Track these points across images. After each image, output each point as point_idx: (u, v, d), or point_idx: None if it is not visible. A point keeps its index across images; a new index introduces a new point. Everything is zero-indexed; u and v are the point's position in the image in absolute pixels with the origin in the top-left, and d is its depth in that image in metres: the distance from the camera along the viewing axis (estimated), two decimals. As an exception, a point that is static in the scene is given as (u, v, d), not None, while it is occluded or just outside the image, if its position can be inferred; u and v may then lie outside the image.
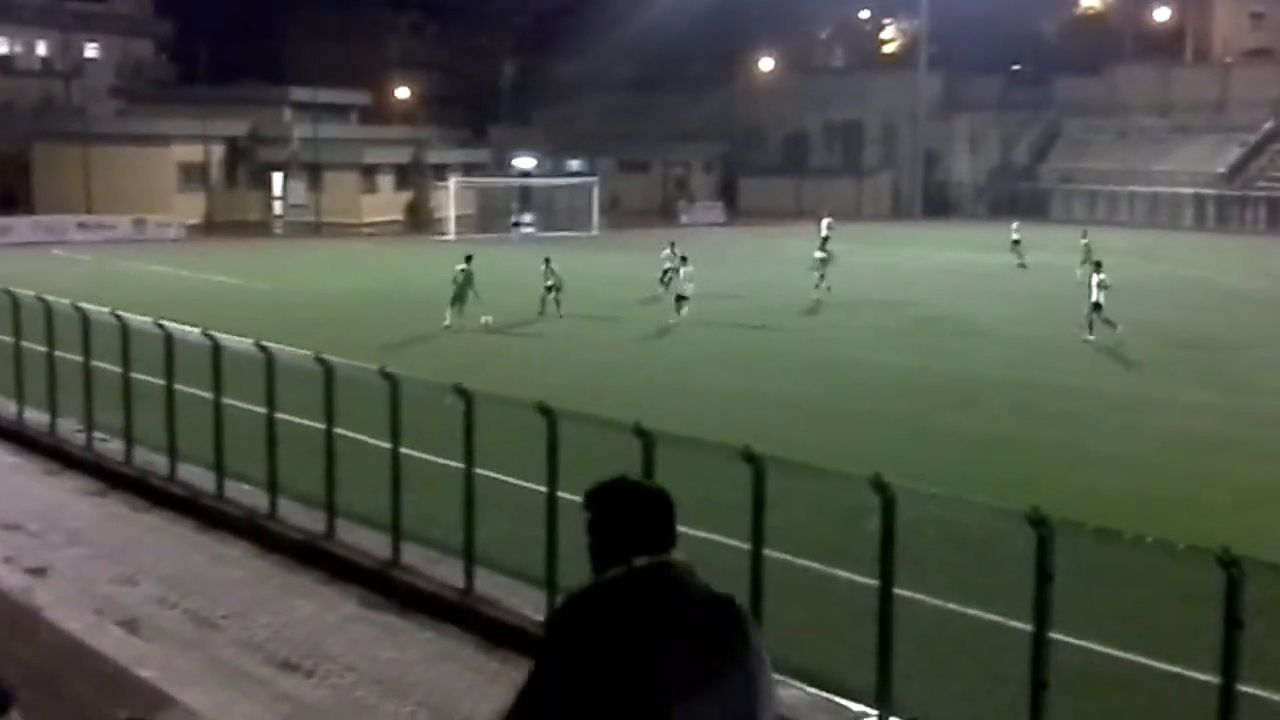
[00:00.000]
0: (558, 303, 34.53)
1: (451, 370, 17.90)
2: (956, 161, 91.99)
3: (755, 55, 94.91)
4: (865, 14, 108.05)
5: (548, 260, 35.32)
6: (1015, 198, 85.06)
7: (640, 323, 33.83)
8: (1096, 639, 10.65)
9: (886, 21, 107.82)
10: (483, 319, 31.94)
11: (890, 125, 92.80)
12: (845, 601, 11.46)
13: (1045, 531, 8.57)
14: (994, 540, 10.99)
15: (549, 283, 34.87)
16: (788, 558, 11.60)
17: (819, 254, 39.65)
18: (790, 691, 10.18)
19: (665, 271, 37.86)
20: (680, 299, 33.59)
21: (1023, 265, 48.19)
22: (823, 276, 38.49)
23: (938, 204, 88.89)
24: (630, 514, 4.37)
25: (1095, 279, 31.02)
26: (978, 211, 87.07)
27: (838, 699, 10.08)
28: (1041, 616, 8.70)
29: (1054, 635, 8.88)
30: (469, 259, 33.05)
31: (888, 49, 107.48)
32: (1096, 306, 30.45)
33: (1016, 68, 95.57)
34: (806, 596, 11.89)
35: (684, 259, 35.88)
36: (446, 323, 31.91)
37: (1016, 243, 49.96)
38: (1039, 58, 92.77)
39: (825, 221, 51.20)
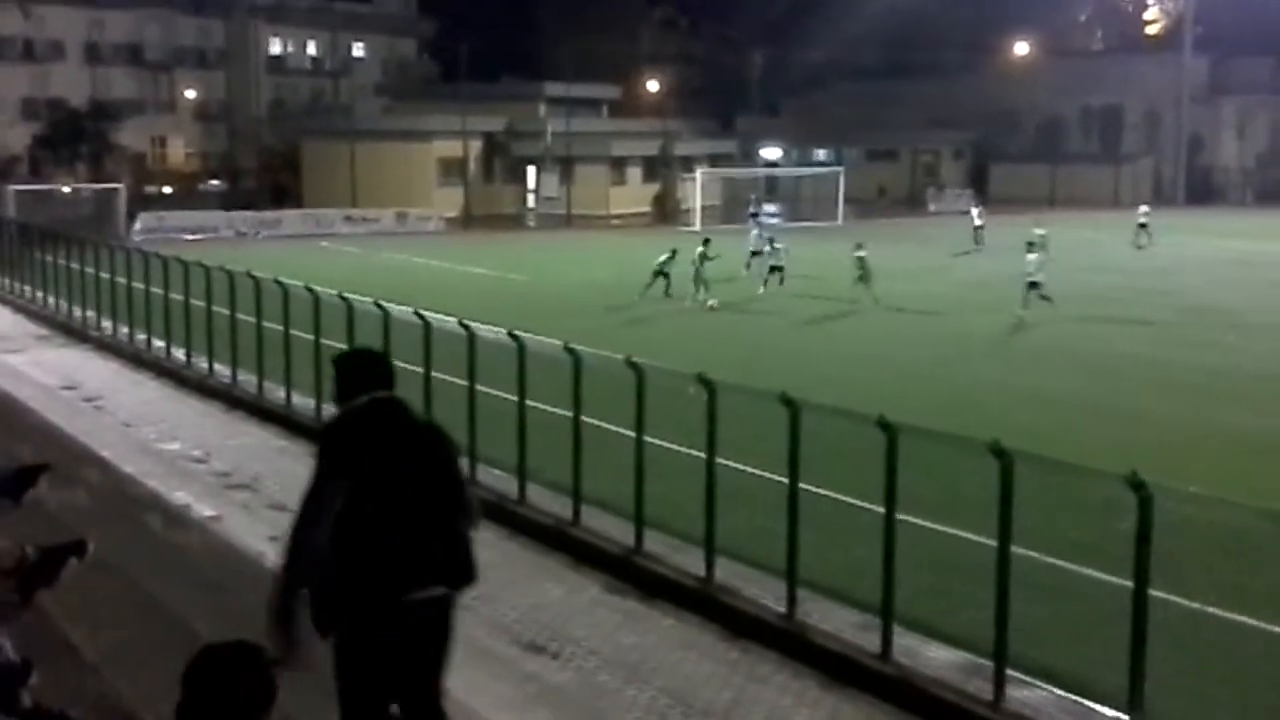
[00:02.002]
0: (781, 281, 35.29)
1: (694, 359, 18.03)
2: (1223, 147, 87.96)
3: (1009, 39, 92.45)
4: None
5: (772, 240, 36.52)
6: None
7: (890, 313, 33.43)
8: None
9: (1149, 2, 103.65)
10: (709, 302, 33.43)
11: (1152, 110, 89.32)
12: (1098, 602, 11.13)
13: (1312, 535, 8.15)
14: (1263, 544, 10.50)
15: (774, 263, 35.74)
16: (1036, 555, 11.33)
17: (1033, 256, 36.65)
18: (1037, 693, 9.96)
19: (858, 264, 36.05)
20: (1033, 286, 32.02)
21: None
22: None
23: (1202, 191, 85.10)
24: (367, 366, 7.05)
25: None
26: (1245, 199, 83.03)
27: (1086, 702, 9.79)
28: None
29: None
30: (707, 242, 34.79)
31: (1150, 30, 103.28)
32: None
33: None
34: (1054, 596, 11.59)
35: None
36: (708, 302, 33.57)
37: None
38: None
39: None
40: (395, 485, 6.68)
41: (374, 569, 6.62)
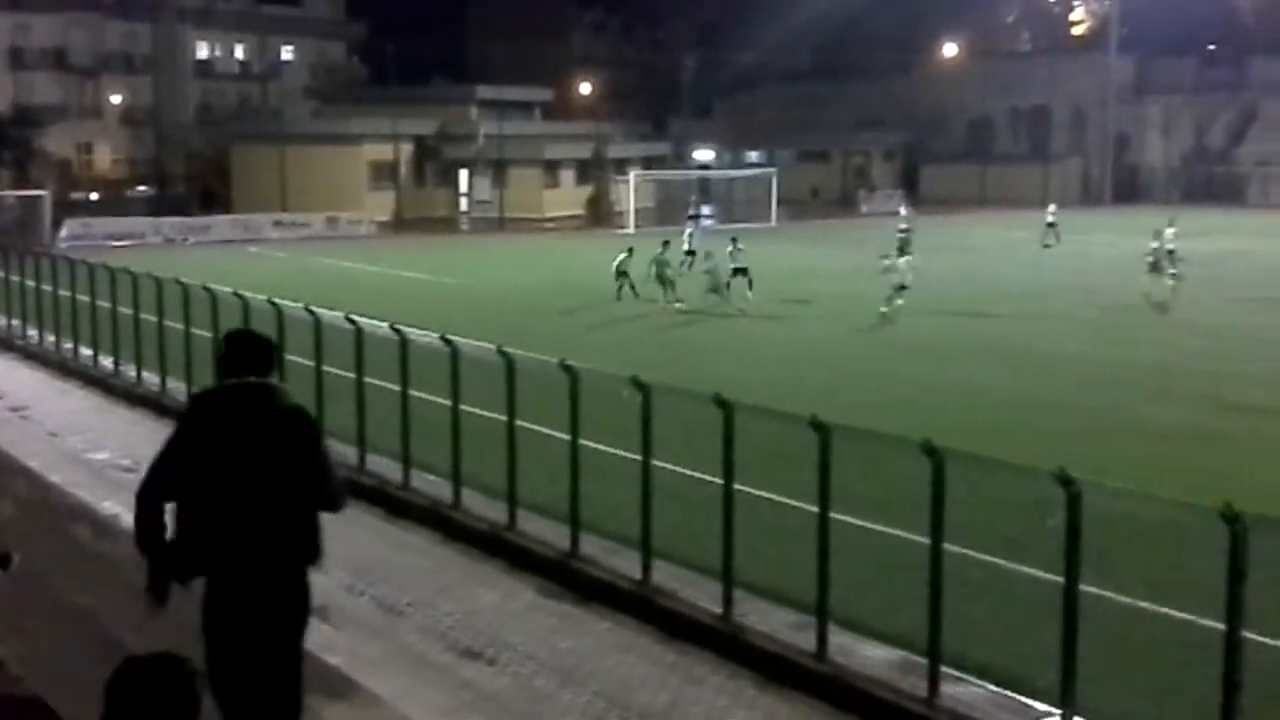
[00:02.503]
0: (749, 285, 34.58)
1: (634, 362, 18.03)
2: (1148, 146, 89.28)
3: (938, 41, 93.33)
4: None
5: (734, 240, 36.22)
6: (1210, 182, 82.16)
7: (824, 314, 33.61)
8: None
9: (1076, 3, 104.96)
10: (676, 304, 33.46)
11: (1079, 110, 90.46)
12: (1028, 599, 11.23)
13: (1239, 528, 8.27)
14: (1185, 537, 10.64)
15: (736, 265, 35.12)
16: (970, 553, 11.43)
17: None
18: (971, 689, 10.03)
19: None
20: (899, 289, 32.85)
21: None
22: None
23: (1128, 190, 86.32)
24: (246, 349, 7.28)
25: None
26: (1170, 197, 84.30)
27: (1019, 697, 9.88)
28: (1234, 615, 8.39)
29: (1251, 635, 8.57)
30: (665, 244, 35.27)
31: (1076, 31, 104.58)
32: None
33: (1211, 48, 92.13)
34: (988, 593, 11.68)
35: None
36: (675, 304, 33.83)
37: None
38: (1235, 37, 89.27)
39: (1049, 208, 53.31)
40: (228, 463, 6.99)
41: (198, 538, 7.08)
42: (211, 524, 7.06)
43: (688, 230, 44.07)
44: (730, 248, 35.58)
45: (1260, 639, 9.19)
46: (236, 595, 7.09)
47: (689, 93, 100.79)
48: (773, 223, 68.36)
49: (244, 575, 7.09)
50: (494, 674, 11.20)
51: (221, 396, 7.33)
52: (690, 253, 40.04)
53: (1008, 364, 26.22)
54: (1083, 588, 9.31)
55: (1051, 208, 56.14)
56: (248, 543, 7.07)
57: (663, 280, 34.51)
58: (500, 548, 14.39)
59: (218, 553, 7.07)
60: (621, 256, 35.67)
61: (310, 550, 7.32)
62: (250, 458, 7.02)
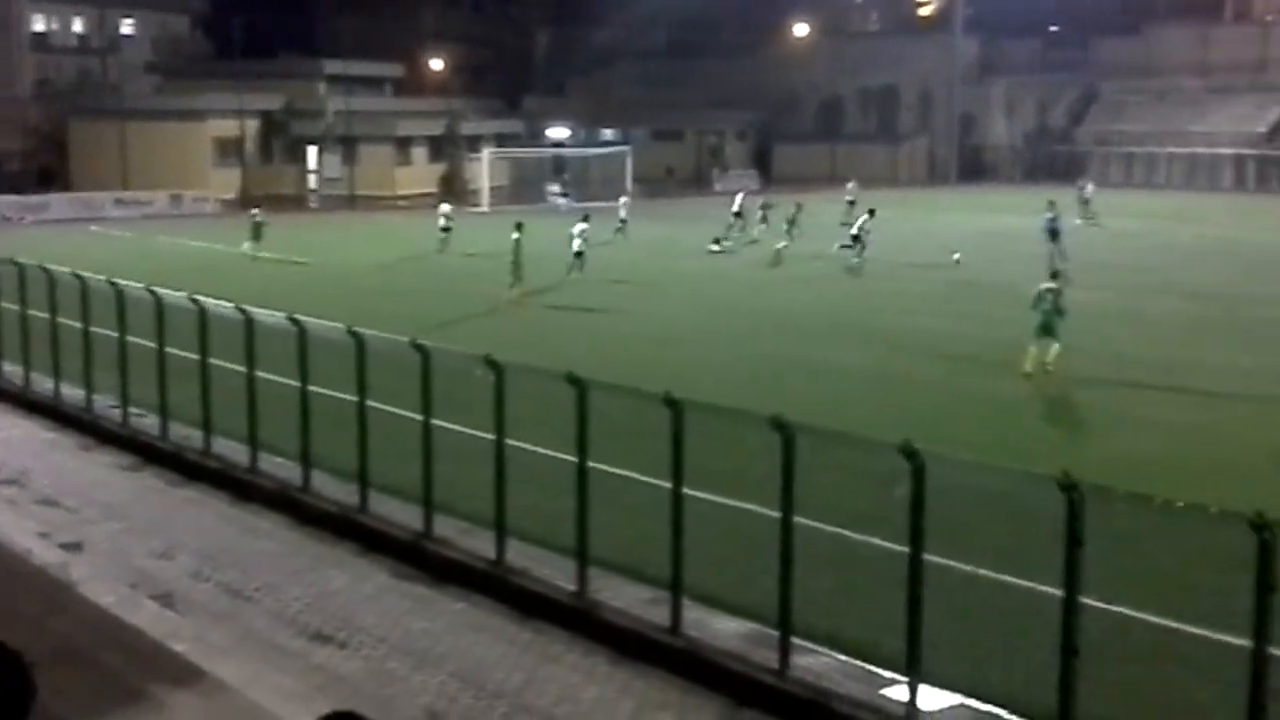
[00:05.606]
0: (580, 269, 34.55)
1: (488, 343, 17.90)
2: (993, 125, 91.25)
3: (789, 20, 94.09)
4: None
5: (586, 218, 35.93)
6: (1052, 161, 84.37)
7: (675, 291, 33.76)
8: (1129, 604, 10.58)
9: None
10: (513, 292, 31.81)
11: (926, 90, 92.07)
12: (876, 569, 11.42)
13: (1075, 496, 8.50)
14: (1027, 506, 10.92)
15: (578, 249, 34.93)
16: (819, 525, 11.58)
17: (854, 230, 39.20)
18: (821, 659, 10.17)
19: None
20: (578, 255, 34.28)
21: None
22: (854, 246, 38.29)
23: (973, 169, 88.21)
24: None
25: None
26: (1014, 175, 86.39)
27: (868, 666, 10.05)
28: (1071, 582, 8.63)
29: (1088, 601, 8.81)
30: (520, 227, 32.54)
31: (924, 12, 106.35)
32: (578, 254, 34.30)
33: (1054, 29, 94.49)
34: (837, 564, 11.86)
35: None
36: (511, 296, 31.44)
37: (1086, 201, 52.76)
38: (1076, 19, 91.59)
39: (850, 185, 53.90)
40: None
41: None
42: None
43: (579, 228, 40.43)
44: (583, 224, 35.61)
45: (1096, 604, 9.47)
46: None
47: (543, 70, 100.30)
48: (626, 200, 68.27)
49: None
50: (345, 657, 11.06)
51: None
52: (579, 254, 37.22)
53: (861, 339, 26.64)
54: (928, 557, 9.50)
55: (850, 185, 56.93)
56: None
57: (515, 267, 32.70)
58: (352, 530, 14.20)
59: None
60: (515, 236, 33.04)
61: None
62: None
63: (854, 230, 38.54)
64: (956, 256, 38.83)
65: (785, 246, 40.41)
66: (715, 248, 42.58)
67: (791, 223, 42.12)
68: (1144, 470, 15.12)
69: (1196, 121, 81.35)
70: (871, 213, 39.49)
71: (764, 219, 45.59)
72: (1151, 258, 41.45)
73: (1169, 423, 18.92)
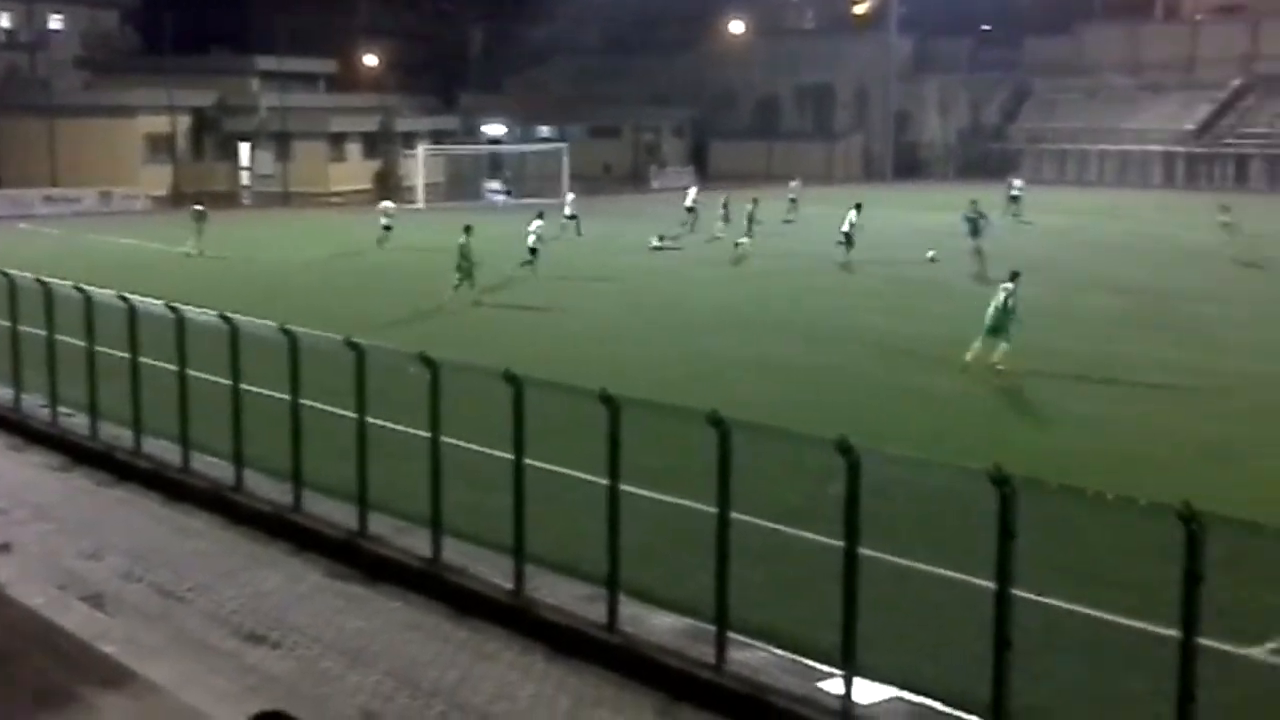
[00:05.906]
0: (533, 265, 34.37)
1: (427, 340, 17.82)
2: (927, 123, 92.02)
3: (725, 18, 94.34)
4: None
5: (540, 214, 35.66)
6: (985, 158, 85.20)
7: (616, 288, 33.75)
8: (1061, 596, 10.70)
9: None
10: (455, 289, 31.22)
11: (861, 88, 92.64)
12: (812, 564, 11.47)
13: (1007, 490, 8.57)
14: (961, 500, 11.01)
15: (533, 245, 34.70)
16: (755, 520, 11.62)
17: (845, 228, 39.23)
18: (757, 654, 10.20)
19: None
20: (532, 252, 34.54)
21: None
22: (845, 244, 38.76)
23: (908, 166, 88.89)
24: None
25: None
26: (947, 173, 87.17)
27: (804, 660, 10.09)
28: (1004, 575, 8.70)
29: (1020, 593, 8.89)
30: (469, 230, 31.63)
31: (858, 10, 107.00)
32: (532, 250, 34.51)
33: (986, 28, 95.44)
34: (773, 559, 11.90)
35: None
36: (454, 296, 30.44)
37: (1015, 198, 53.64)
38: (1008, 18, 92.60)
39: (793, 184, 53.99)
40: None
41: None
42: None
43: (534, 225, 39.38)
44: (537, 221, 35.42)
45: (1029, 596, 9.55)
46: None
47: (478, 66, 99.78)
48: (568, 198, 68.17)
49: None
50: (279, 657, 10.95)
51: None
52: (534, 250, 36.39)
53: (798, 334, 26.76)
54: (863, 551, 9.54)
55: (793, 183, 57.59)
56: None
57: (461, 269, 31.76)
58: (285, 529, 14.07)
59: None
60: (462, 240, 32.18)
61: None
62: None
63: (844, 228, 38.60)
64: (931, 254, 38.86)
65: (747, 243, 40.19)
66: (657, 244, 42.59)
67: (751, 219, 41.87)
68: (1076, 463, 15.31)
69: (1127, 119, 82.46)
70: (858, 207, 39.50)
71: (725, 216, 45.36)
72: (1081, 254, 41.98)
73: (1099, 416, 19.17)
